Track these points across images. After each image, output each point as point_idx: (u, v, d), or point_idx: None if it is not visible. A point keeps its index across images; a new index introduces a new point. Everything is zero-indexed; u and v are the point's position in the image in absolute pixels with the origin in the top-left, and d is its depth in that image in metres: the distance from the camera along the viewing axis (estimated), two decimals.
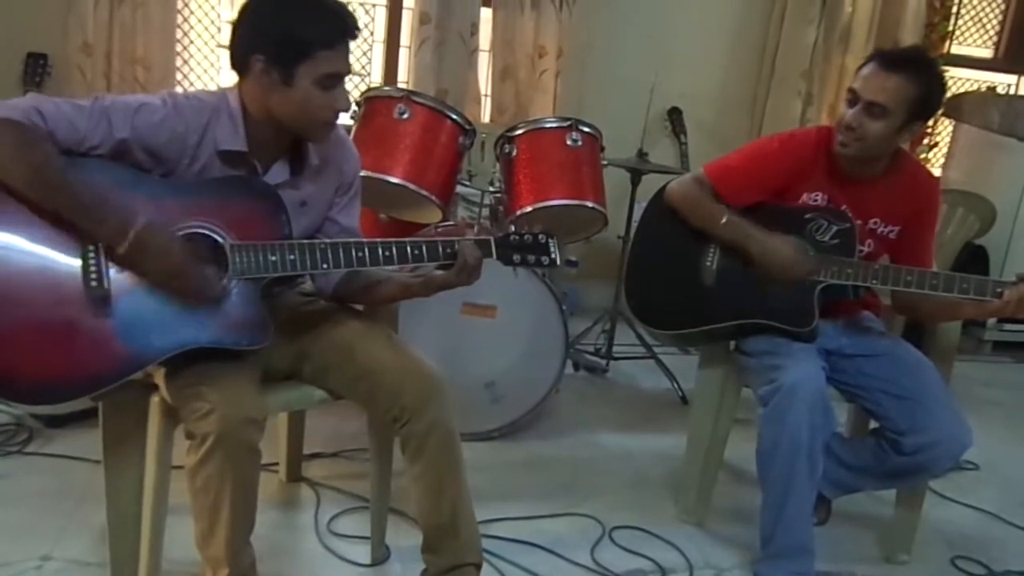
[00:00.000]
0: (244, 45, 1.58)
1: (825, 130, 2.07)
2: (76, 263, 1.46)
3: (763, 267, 2.00)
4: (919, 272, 1.93)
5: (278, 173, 1.68)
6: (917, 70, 1.89)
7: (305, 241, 1.63)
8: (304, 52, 1.55)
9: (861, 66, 1.96)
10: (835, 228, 2.00)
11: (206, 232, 1.55)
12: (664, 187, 2.17)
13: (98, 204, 1.46)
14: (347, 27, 1.58)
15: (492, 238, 1.71)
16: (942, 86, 1.95)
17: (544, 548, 2.06)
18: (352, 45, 1.61)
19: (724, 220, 2.03)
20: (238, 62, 1.60)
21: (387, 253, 1.63)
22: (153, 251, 1.47)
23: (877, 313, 2.20)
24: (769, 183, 2.05)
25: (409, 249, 1.64)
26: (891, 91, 1.87)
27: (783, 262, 1.98)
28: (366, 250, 1.63)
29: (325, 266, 1.61)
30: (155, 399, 1.59)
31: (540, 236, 1.74)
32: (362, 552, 1.97)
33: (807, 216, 2.02)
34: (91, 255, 1.47)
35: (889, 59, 1.91)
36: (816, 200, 2.04)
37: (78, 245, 1.46)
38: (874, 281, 1.96)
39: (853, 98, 1.93)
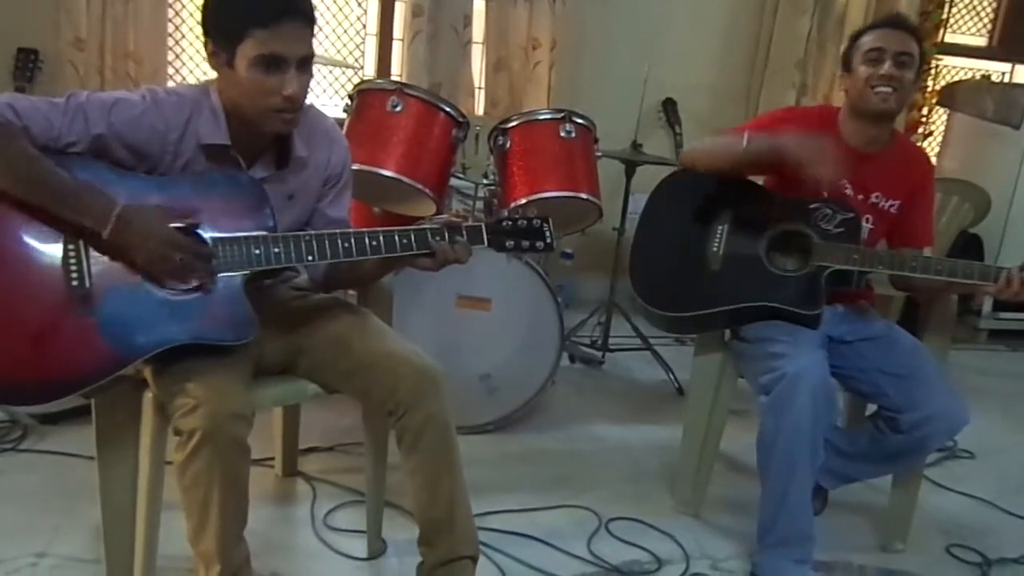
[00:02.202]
0: (203, 30, 1.55)
1: (827, 109, 2.16)
2: (57, 262, 1.45)
3: (802, 161, 1.92)
4: (923, 258, 1.97)
5: (263, 168, 1.66)
6: (913, 29, 2.06)
7: (290, 233, 1.60)
8: (239, 32, 1.49)
9: (858, 36, 2.05)
10: (840, 217, 2.02)
11: (189, 227, 1.53)
12: (670, 175, 2.21)
13: (78, 192, 1.45)
14: (284, 6, 1.49)
15: (483, 224, 1.66)
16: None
17: (541, 540, 2.06)
18: (299, 25, 1.51)
19: (746, 141, 2.00)
20: (205, 49, 1.57)
21: (374, 243, 1.60)
22: (136, 229, 1.45)
23: (872, 304, 2.21)
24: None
25: (397, 238, 1.61)
26: (911, 44, 2.01)
27: (822, 148, 1.92)
28: (352, 240, 1.59)
29: (311, 258, 1.58)
30: (148, 395, 1.58)
31: (534, 220, 1.69)
32: (358, 546, 1.97)
33: (812, 206, 2.03)
34: (72, 253, 1.45)
35: (893, 21, 2.05)
36: None
37: (58, 244, 1.45)
38: (879, 266, 1.97)
39: (878, 56, 1.99)
